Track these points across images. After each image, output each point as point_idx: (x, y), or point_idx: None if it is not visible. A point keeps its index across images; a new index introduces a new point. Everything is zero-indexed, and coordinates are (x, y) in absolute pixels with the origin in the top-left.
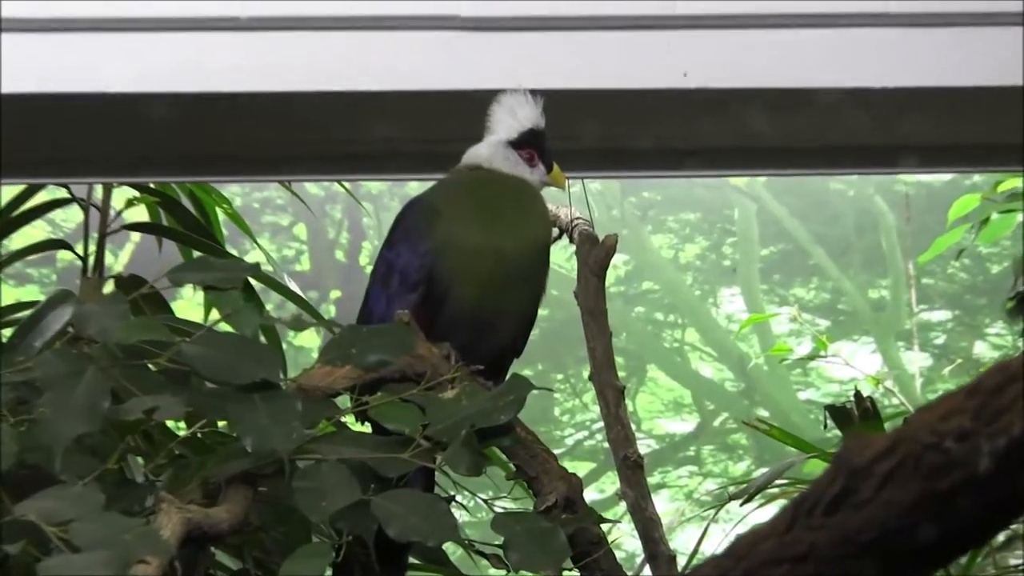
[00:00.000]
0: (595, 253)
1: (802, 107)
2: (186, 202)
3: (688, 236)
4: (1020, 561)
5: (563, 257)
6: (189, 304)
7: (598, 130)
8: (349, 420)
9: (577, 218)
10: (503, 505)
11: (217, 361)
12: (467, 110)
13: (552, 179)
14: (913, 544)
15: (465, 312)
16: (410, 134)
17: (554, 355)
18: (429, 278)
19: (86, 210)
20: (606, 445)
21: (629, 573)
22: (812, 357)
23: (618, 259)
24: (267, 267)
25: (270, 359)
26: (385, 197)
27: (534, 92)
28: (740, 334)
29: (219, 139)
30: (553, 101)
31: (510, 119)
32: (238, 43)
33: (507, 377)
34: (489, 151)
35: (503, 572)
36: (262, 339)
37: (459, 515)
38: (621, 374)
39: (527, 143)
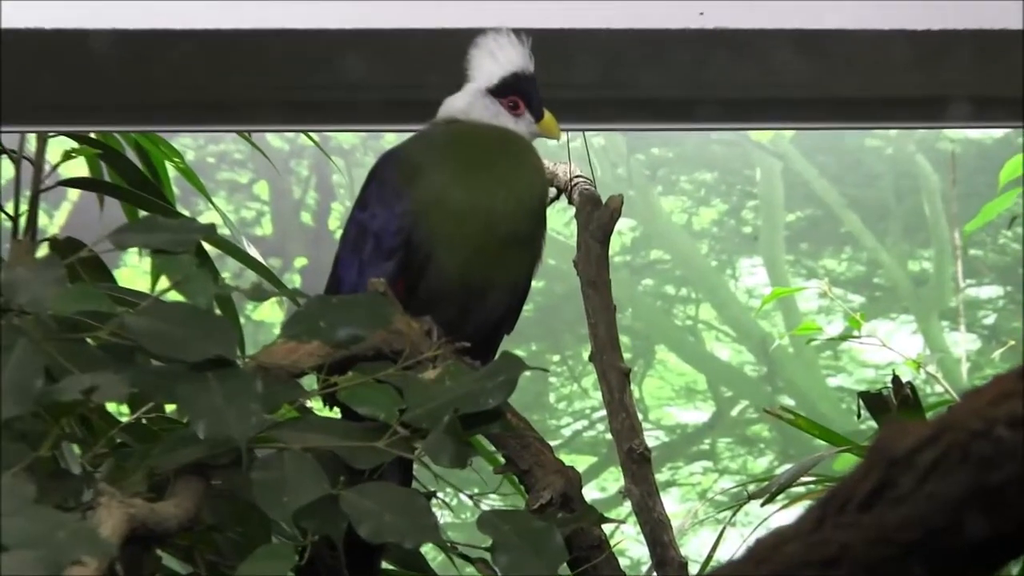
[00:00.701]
0: (597, 217)
1: (835, 51)
2: (131, 155)
3: (703, 198)
4: None
5: (561, 221)
6: (134, 271)
7: (600, 76)
8: (316, 404)
9: (577, 176)
10: (491, 502)
11: (165, 335)
12: (452, 51)
13: (543, 129)
14: (960, 545)
15: (449, 281)
16: (387, 79)
17: (550, 333)
18: (408, 242)
19: (17, 163)
20: (608, 436)
21: None
22: (844, 338)
23: (623, 224)
24: (223, 230)
25: (226, 334)
26: (358, 151)
27: (518, 32)
28: (762, 311)
29: (169, 83)
30: (548, 43)
31: (490, 63)
32: None
33: (496, 356)
34: (466, 101)
35: None
36: (217, 311)
37: (440, 514)
38: (626, 355)
39: (510, 90)
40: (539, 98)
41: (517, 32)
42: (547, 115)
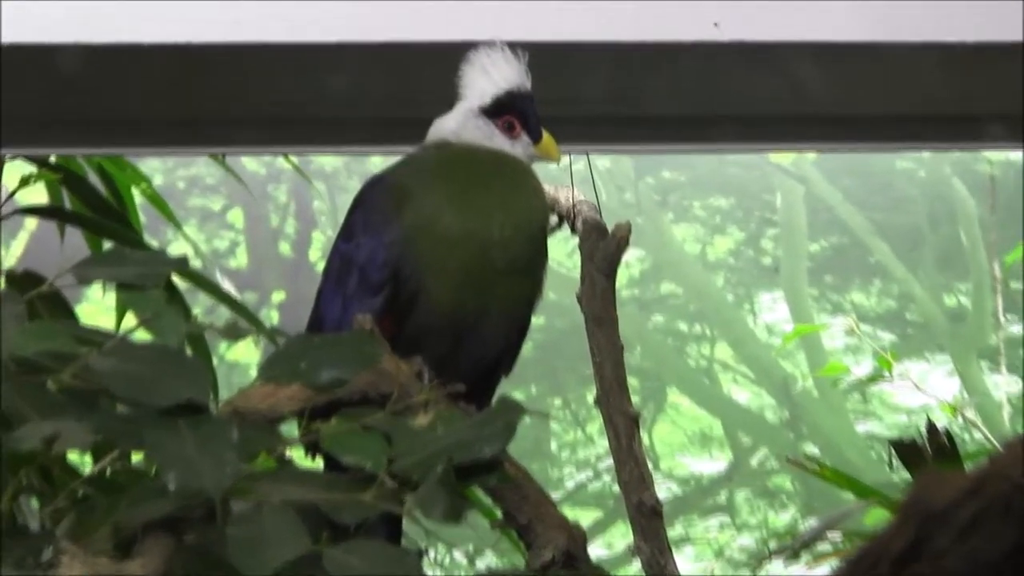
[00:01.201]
0: (603, 247)
1: (862, 65)
2: (94, 180)
3: (719, 226)
4: None
5: (563, 251)
6: (97, 307)
7: (604, 92)
8: (296, 453)
9: (581, 202)
10: (487, 560)
11: (132, 378)
12: (443, 66)
13: (541, 151)
14: None
15: (441, 317)
16: (373, 97)
17: (551, 374)
18: (396, 275)
19: None
20: (615, 488)
21: None
22: (873, 379)
23: (631, 255)
24: (195, 261)
25: (198, 376)
26: (341, 175)
27: (514, 45)
28: (783, 350)
29: (136, 102)
30: (547, 56)
31: (483, 81)
32: None
33: (493, 400)
34: (457, 122)
35: None
36: (188, 351)
37: (433, 572)
38: (635, 399)
39: (505, 109)
40: (537, 118)
41: (512, 46)
42: (546, 136)
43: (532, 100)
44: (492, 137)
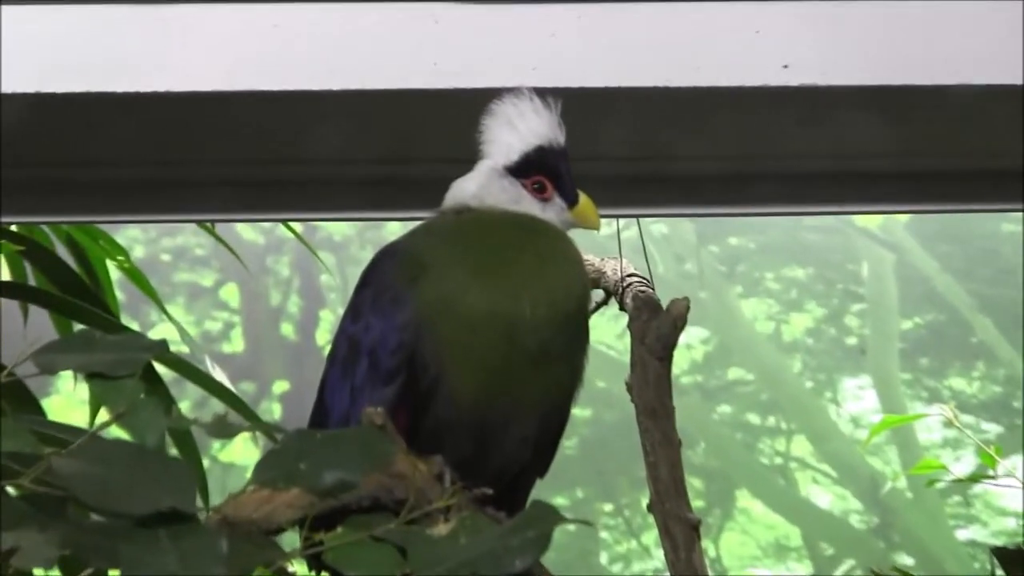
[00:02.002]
0: (656, 326)
1: (956, 113)
2: (63, 252)
3: (795, 302)
4: None
5: (611, 332)
6: (67, 400)
7: (656, 148)
8: (299, 567)
9: (631, 275)
10: None
11: (103, 482)
12: (462, 118)
13: (578, 216)
14: None
15: (464, 410)
16: (381, 153)
17: (600, 475)
18: (411, 361)
19: None
20: None
21: None
22: (976, 478)
23: (693, 335)
24: (181, 347)
25: (182, 480)
26: (353, 245)
27: (544, 93)
28: (871, 444)
29: (110, 160)
30: (584, 105)
31: (509, 135)
32: (131, 21)
33: (526, 506)
34: (479, 184)
35: None
36: (172, 451)
37: None
38: (698, 503)
39: (535, 168)
40: (572, 177)
41: (542, 94)
42: (583, 199)
43: (566, 157)
44: (520, 200)
